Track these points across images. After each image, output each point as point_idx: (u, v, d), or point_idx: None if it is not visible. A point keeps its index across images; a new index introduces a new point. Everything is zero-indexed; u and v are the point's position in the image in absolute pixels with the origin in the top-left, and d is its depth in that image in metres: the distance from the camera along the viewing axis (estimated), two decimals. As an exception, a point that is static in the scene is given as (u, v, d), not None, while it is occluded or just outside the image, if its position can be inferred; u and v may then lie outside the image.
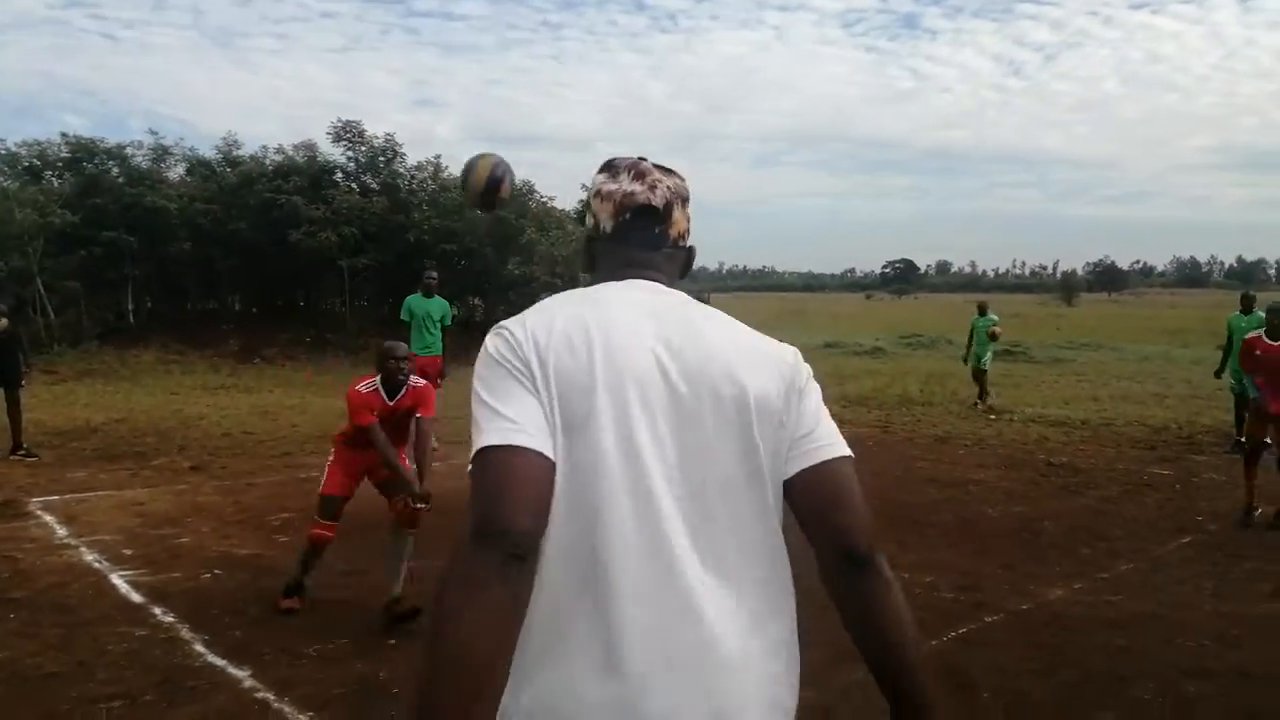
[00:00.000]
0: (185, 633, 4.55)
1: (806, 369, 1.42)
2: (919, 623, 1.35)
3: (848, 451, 1.37)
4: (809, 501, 1.33)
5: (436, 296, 9.77)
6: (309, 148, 20.09)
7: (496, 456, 1.21)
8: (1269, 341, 7.12)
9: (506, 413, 1.24)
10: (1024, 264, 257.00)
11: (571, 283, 17.12)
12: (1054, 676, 4.23)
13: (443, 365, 9.76)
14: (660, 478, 1.25)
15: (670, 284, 1.44)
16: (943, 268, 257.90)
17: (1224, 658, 4.41)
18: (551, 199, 21.56)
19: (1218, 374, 10.58)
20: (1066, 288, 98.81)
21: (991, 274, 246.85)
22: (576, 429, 1.25)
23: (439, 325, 9.65)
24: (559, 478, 1.23)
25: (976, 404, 13.59)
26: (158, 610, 4.84)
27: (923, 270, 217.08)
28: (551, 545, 1.23)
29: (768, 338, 1.44)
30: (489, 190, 3.33)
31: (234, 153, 20.64)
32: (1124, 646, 4.55)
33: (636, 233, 1.44)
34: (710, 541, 1.27)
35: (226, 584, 5.33)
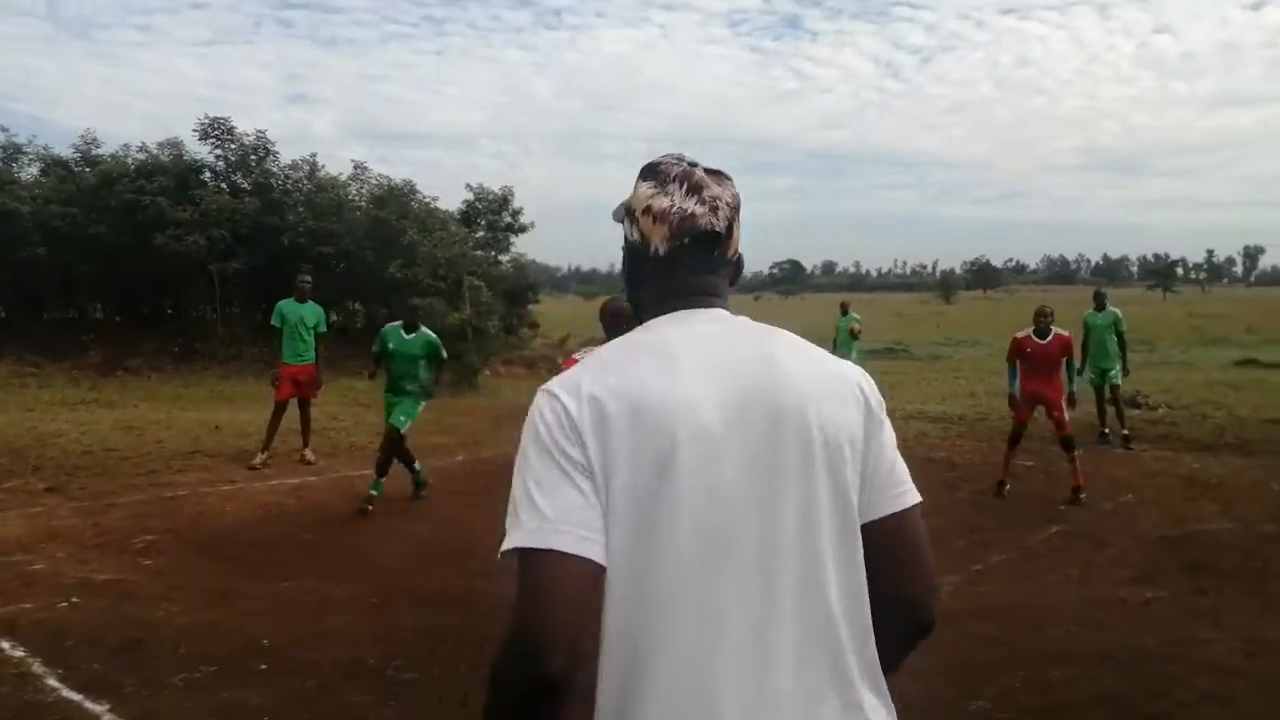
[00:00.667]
0: (37, 667, 4.24)
1: (878, 393, 1.31)
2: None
3: (919, 497, 1.29)
4: (885, 553, 1.24)
5: (310, 302, 9.43)
6: (174, 146, 19.12)
7: (533, 562, 1.10)
8: (1037, 340, 7.84)
9: (547, 508, 1.12)
10: (905, 263, 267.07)
11: (456, 285, 16.85)
12: (924, 666, 4.32)
13: (317, 373, 9.45)
14: (748, 566, 1.15)
15: (728, 305, 1.33)
16: (828, 268, 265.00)
17: (1089, 642, 4.60)
18: (435, 199, 21.12)
19: (1079, 371, 11.09)
20: (945, 286, 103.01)
21: (875, 273, 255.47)
22: (641, 519, 1.13)
23: (313, 332, 9.32)
24: (617, 577, 1.13)
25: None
26: (6, 644, 4.50)
27: (809, 270, 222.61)
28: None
29: (833, 357, 1.32)
30: None
31: (93, 151, 19.49)
32: (994, 636, 4.70)
33: (697, 258, 1.31)
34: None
35: (84, 612, 5.00)
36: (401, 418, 7.48)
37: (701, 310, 1.29)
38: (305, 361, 9.25)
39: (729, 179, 1.35)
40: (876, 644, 1.22)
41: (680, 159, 1.34)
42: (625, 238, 1.36)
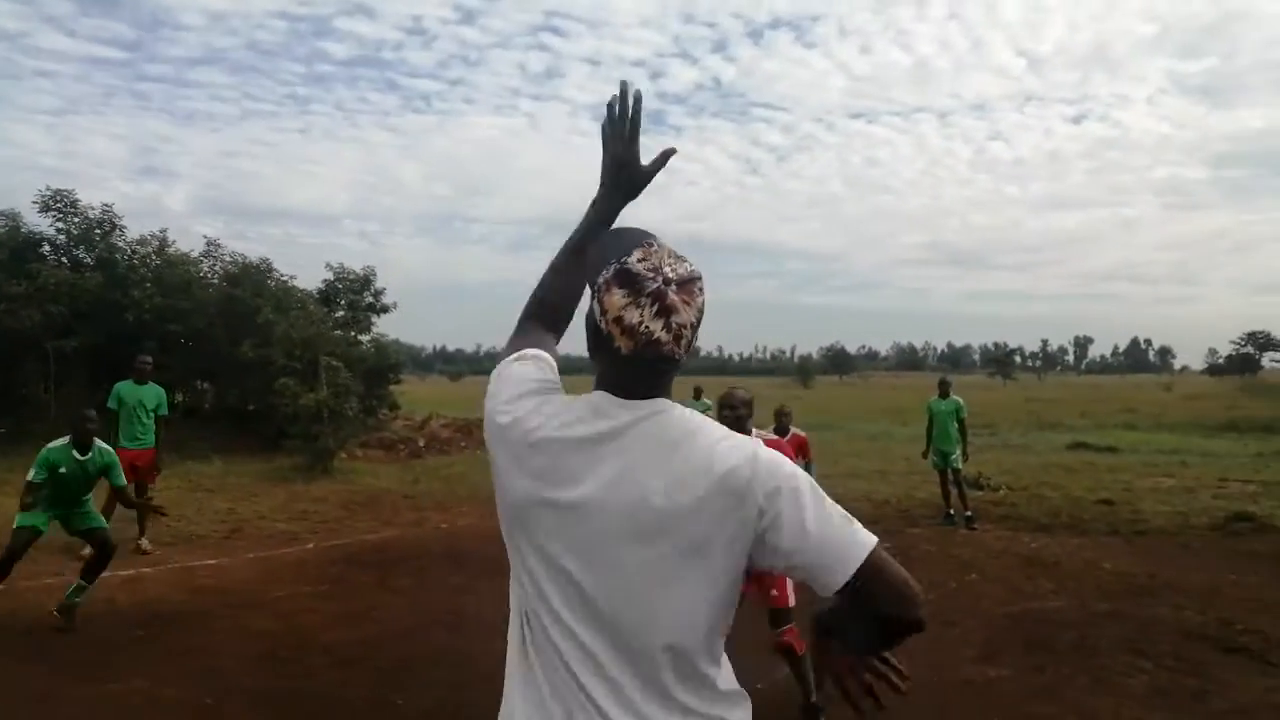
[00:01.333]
0: None
1: (766, 479, 1.43)
2: None
3: (871, 542, 1.45)
4: (870, 596, 1.45)
5: (151, 383, 8.96)
6: (11, 218, 17.96)
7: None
8: (776, 438, 6.62)
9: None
10: (765, 348, 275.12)
11: (313, 366, 16.34)
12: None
13: (156, 458, 8.94)
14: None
15: (669, 392, 1.52)
16: (694, 352, 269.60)
17: (934, 723, 4.72)
18: (293, 277, 20.49)
19: (924, 454, 11.61)
20: (803, 371, 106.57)
21: (736, 358, 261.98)
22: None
23: (153, 415, 8.84)
24: None
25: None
26: None
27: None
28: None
29: (730, 448, 1.45)
30: None
31: (-81, 220, 18.21)
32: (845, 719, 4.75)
33: (653, 369, 1.45)
34: None
35: None
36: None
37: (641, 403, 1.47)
38: (144, 446, 8.74)
39: (699, 289, 1.46)
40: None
41: (656, 270, 1.42)
42: (590, 315, 1.47)
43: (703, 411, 8.11)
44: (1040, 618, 6.76)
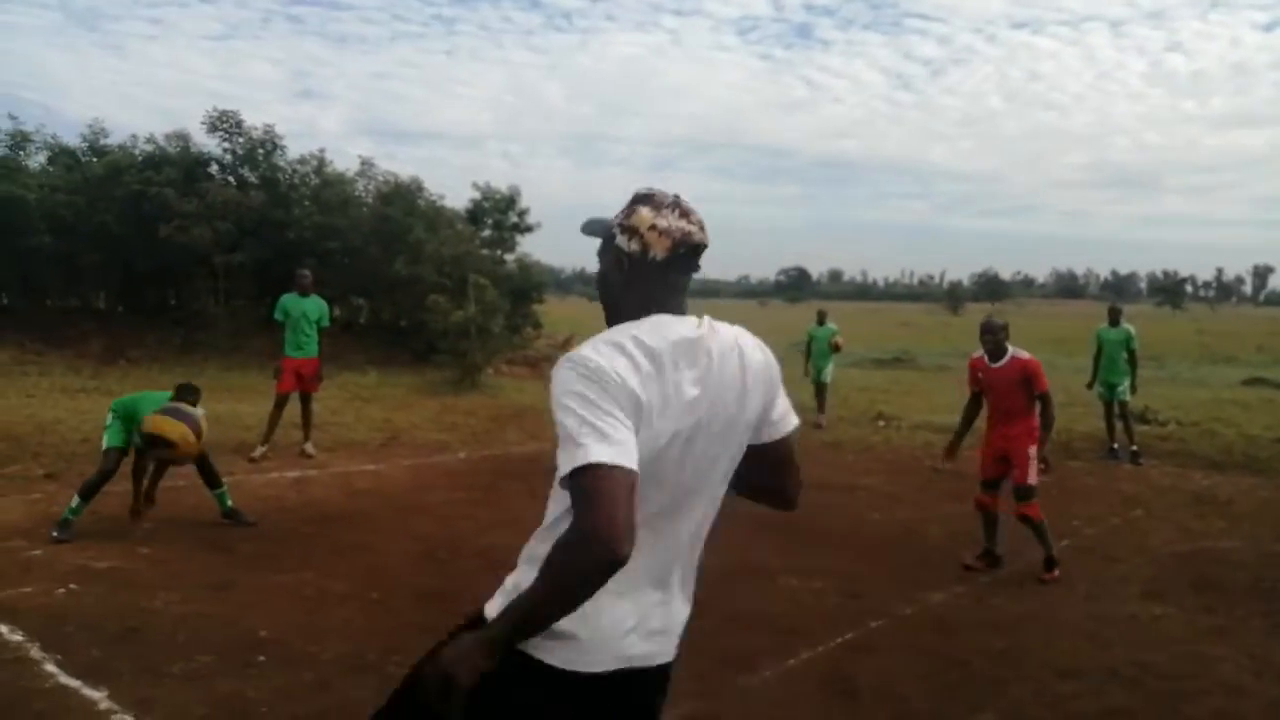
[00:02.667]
0: (35, 652, 4.19)
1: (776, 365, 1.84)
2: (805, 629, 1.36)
3: (796, 421, 1.89)
4: (775, 463, 1.88)
5: (314, 295, 9.38)
6: (182, 138, 18.99)
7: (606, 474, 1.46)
8: (990, 365, 6.01)
9: (614, 434, 1.50)
10: (913, 273, 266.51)
11: (461, 284, 16.78)
12: (935, 679, 4.27)
13: (319, 368, 9.39)
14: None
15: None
16: (835, 275, 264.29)
17: (1096, 658, 4.54)
18: (441, 197, 20.99)
19: (1089, 385, 11.01)
20: (953, 297, 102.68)
21: (881, 282, 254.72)
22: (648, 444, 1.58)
23: (315, 326, 9.27)
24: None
25: (818, 423, 12.27)
26: (4, 629, 4.45)
27: (815, 278, 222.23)
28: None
29: (757, 346, 1.80)
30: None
31: (100, 142, 19.35)
32: (1002, 649, 4.63)
33: (687, 265, 1.73)
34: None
35: (82, 599, 4.95)
36: None
37: (672, 317, 1.70)
38: (308, 355, 9.20)
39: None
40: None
41: (674, 196, 1.74)
42: (618, 250, 1.71)
43: (835, 339, 8.18)
44: (1212, 558, 6.38)
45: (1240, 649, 4.68)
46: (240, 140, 19.19)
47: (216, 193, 17.74)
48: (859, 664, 4.42)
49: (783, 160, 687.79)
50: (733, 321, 1.80)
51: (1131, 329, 10.61)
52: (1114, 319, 10.73)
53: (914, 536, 6.88)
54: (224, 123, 18.96)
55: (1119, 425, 10.43)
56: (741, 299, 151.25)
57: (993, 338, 5.86)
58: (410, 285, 17.98)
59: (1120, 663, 4.46)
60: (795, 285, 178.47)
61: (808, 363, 13.25)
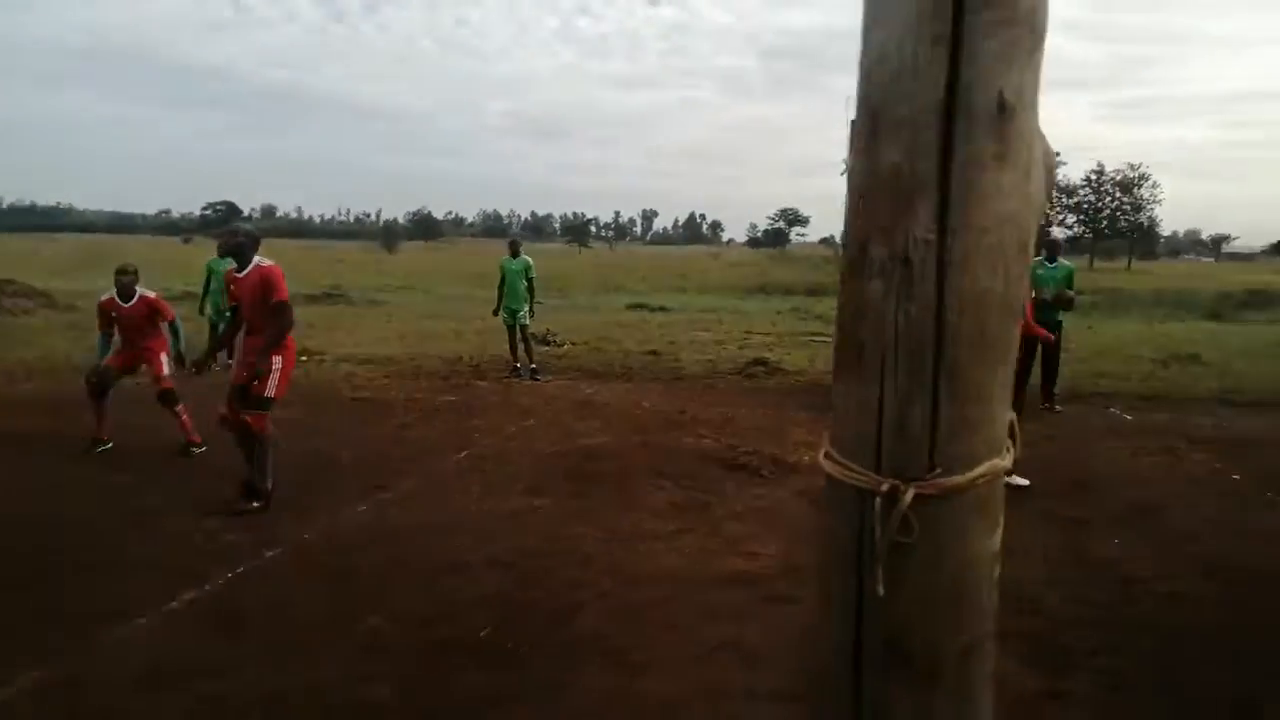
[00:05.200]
0: None
1: None
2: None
3: None
4: None
5: None
6: None
7: None
8: (121, 304, 7.20)
9: None
10: (349, 211, 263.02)
11: None
12: (326, 595, 4.40)
13: None
14: None
15: None
16: (268, 211, 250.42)
17: (480, 550, 5.05)
18: None
19: (495, 312, 11.89)
20: (388, 235, 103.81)
21: (318, 220, 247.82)
22: None
23: None
24: None
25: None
26: None
27: (245, 213, 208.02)
28: None
29: None
30: None
31: None
32: (394, 556, 4.92)
33: None
34: None
35: None
36: None
37: None
38: None
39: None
40: None
41: None
42: None
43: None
44: (585, 453, 7.39)
45: (597, 525, 5.54)
46: None
47: None
48: (249, 593, 4.39)
49: (209, 85, 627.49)
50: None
51: (529, 260, 11.69)
52: (514, 250, 11.73)
53: (327, 461, 6.95)
54: None
55: (520, 347, 11.52)
56: (163, 235, 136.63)
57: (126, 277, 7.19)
58: None
59: (500, 551, 5.02)
60: (223, 221, 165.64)
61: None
